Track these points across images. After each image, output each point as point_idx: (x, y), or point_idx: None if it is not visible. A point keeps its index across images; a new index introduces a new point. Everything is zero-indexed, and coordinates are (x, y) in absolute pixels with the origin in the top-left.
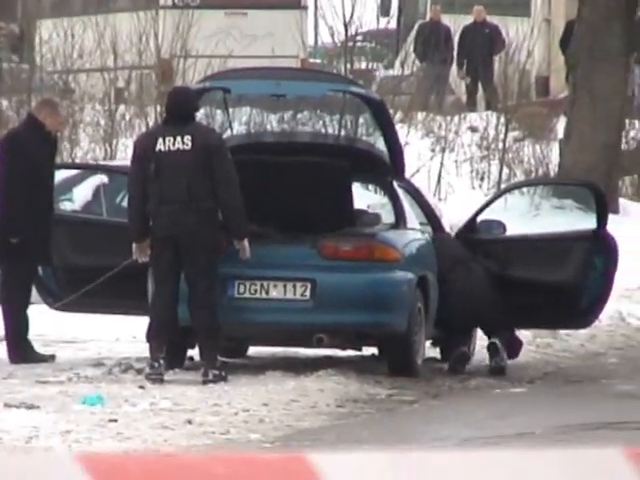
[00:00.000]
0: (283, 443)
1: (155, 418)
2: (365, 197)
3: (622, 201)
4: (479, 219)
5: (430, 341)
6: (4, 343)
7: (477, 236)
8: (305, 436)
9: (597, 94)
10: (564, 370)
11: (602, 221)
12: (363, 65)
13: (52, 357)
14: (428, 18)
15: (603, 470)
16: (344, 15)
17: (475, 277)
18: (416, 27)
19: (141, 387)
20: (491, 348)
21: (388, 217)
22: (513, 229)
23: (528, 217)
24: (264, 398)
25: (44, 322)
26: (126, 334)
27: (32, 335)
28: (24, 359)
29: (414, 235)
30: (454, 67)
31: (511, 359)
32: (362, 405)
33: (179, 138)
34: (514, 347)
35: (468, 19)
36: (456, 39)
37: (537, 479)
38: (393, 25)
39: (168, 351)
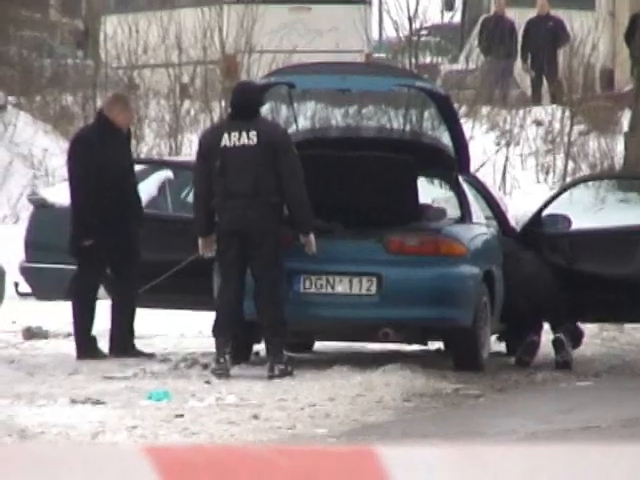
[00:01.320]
0: (349, 438)
1: (221, 413)
2: (430, 191)
3: None
4: (544, 213)
5: (496, 335)
6: (69, 339)
7: (543, 230)
8: (371, 430)
9: None
10: (630, 364)
11: None
12: (428, 59)
13: (152, 355)
14: (492, 12)
15: None
16: (408, 9)
17: (526, 267)
18: (480, 21)
19: (207, 382)
20: (557, 343)
21: (453, 211)
22: (578, 223)
23: (593, 211)
24: (330, 393)
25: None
26: (192, 329)
27: (99, 331)
28: (91, 356)
29: (479, 229)
30: (518, 61)
31: (574, 349)
32: (428, 399)
33: (244, 133)
34: (577, 337)
35: (532, 12)
36: (520, 32)
37: (602, 473)
38: (457, 19)
39: (234, 346)
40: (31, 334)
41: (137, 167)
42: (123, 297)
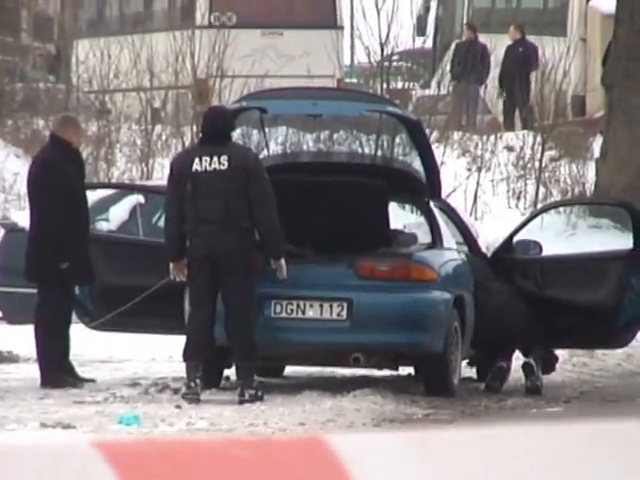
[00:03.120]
0: None
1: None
2: (401, 217)
3: None
4: (515, 239)
5: (466, 361)
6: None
7: (514, 256)
8: None
9: (633, 114)
10: (600, 389)
11: (639, 241)
12: (399, 85)
13: (92, 380)
14: (464, 37)
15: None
16: (380, 35)
17: (496, 296)
18: (453, 46)
19: (178, 407)
20: (526, 368)
21: (425, 237)
22: (549, 249)
23: (564, 237)
24: (301, 418)
25: (80, 342)
26: (162, 354)
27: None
28: (54, 383)
29: (450, 255)
30: (490, 86)
31: (548, 374)
32: (399, 425)
33: (215, 158)
34: (550, 362)
35: (505, 38)
36: (492, 58)
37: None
38: (429, 44)
39: (204, 371)
40: (1, 358)
41: (108, 191)
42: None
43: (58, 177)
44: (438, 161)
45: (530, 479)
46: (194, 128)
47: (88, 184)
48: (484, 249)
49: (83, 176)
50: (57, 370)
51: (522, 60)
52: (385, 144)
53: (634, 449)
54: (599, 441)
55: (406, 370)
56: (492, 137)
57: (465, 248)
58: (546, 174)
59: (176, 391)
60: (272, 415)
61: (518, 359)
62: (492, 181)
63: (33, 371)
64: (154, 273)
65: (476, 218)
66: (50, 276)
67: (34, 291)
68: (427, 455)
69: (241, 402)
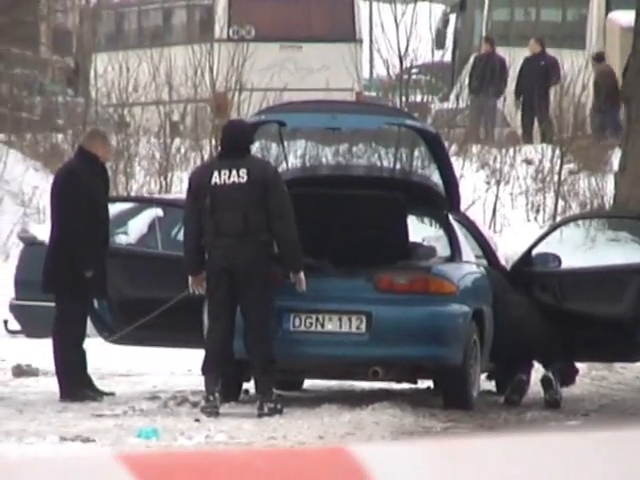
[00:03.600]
0: None
1: None
2: (420, 230)
3: None
4: (534, 252)
5: (486, 374)
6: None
7: (533, 269)
8: None
9: None
10: (619, 403)
11: None
12: (418, 98)
13: (112, 394)
14: (483, 50)
15: None
16: (399, 48)
17: (515, 308)
18: (471, 60)
19: (197, 420)
20: (545, 381)
21: (443, 250)
22: (568, 262)
23: (583, 250)
24: (320, 431)
25: (99, 355)
26: (181, 367)
27: (89, 369)
28: (73, 396)
29: (469, 268)
30: (509, 99)
31: (568, 386)
32: (417, 438)
33: (234, 171)
34: (571, 374)
35: (524, 51)
36: (511, 71)
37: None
38: (448, 58)
39: (223, 384)
40: (21, 372)
41: (127, 205)
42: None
43: (82, 190)
44: (457, 174)
45: None
46: (213, 141)
47: (108, 197)
48: (503, 262)
49: (107, 191)
50: (76, 383)
51: (542, 73)
52: (404, 157)
53: None
54: (618, 448)
55: (425, 383)
56: (511, 150)
57: (484, 261)
58: (565, 187)
59: (195, 404)
60: (291, 428)
61: (537, 372)
62: (511, 194)
63: (52, 384)
64: (173, 286)
65: (495, 231)
66: (67, 288)
67: (53, 304)
68: (452, 464)
69: (260, 415)
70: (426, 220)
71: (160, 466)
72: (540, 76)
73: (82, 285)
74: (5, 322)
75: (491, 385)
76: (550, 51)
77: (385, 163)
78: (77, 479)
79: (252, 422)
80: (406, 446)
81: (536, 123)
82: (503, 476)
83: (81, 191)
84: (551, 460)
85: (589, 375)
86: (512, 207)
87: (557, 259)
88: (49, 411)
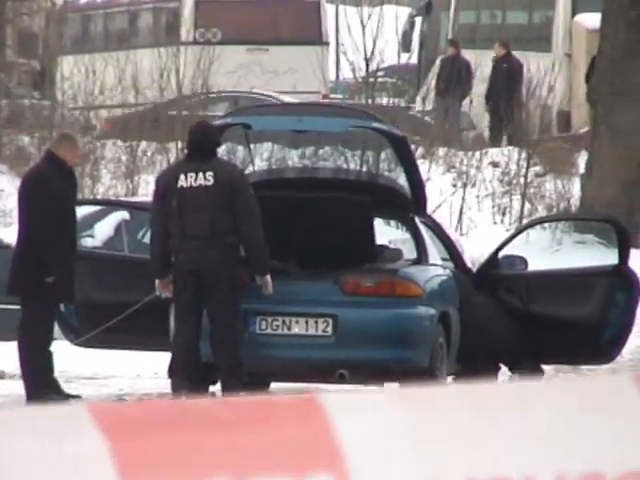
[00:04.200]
0: None
1: None
2: (387, 233)
3: None
4: (501, 254)
5: (452, 376)
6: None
7: (499, 272)
8: None
9: (618, 129)
10: None
11: (624, 256)
12: (384, 100)
13: (78, 397)
14: (448, 53)
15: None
16: (365, 50)
17: (480, 312)
18: (438, 62)
19: None
20: None
21: (410, 253)
22: (535, 264)
23: (549, 252)
24: None
25: (65, 358)
26: (148, 370)
27: (55, 372)
28: (39, 400)
29: (436, 271)
30: (475, 102)
31: None
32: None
33: (201, 174)
34: (536, 377)
35: (490, 54)
36: (477, 74)
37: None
38: (414, 60)
39: (190, 387)
40: None
41: (93, 208)
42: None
43: (50, 194)
44: (423, 177)
45: (514, 433)
46: (179, 144)
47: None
48: (469, 264)
49: (75, 194)
50: (42, 387)
51: (507, 76)
52: (370, 160)
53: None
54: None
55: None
56: (477, 153)
57: (451, 264)
58: (531, 190)
59: None
60: None
61: (504, 374)
62: (477, 197)
63: (19, 388)
64: (140, 289)
65: (461, 234)
66: (33, 292)
67: (18, 307)
68: (409, 407)
69: None
70: (392, 223)
71: (126, 417)
72: (505, 79)
73: (48, 288)
74: None
75: None
76: (517, 54)
77: (351, 166)
78: (45, 429)
79: None
80: (371, 394)
81: (503, 126)
82: (470, 423)
83: (49, 195)
84: (521, 407)
85: (556, 377)
86: (478, 210)
87: (524, 261)
88: None
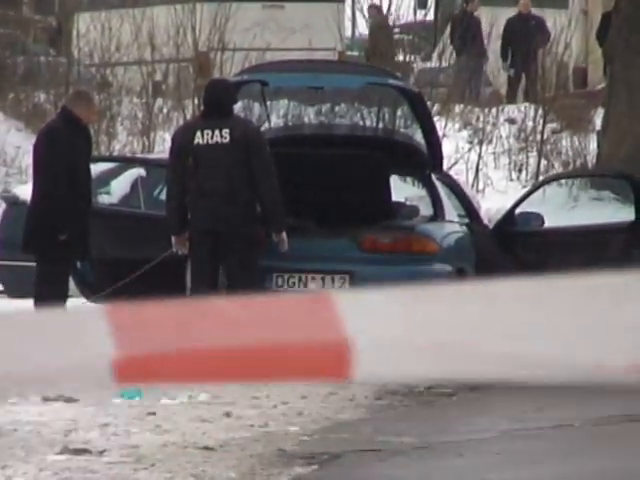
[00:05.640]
0: (322, 435)
1: (193, 411)
2: (403, 190)
3: None
4: (517, 211)
5: None
6: None
7: (515, 228)
8: (343, 428)
9: (634, 86)
10: None
11: None
12: (401, 57)
13: None
14: (461, 10)
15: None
16: (382, 5)
17: (498, 269)
18: (451, 20)
19: None
20: None
21: (426, 209)
22: (551, 221)
23: (566, 209)
24: (303, 391)
25: None
26: None
27: None
28: None
29: (452, 227)
30: (491, 59)
31: None
32: (400, 398)
33: (217, 131)
34: None
35: (507, 12)
36: (494, 31)
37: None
38: (430, 17)
39: None
40: None
41: (110, 165)
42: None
43: (62, 150)
44: (440, 134)
45: (510, 328)
46: (195, 101)
47: (90, 158)
48: (486, 221)
49: (90, 152)
50: None
51: (532, 33)
52: (386, 117)
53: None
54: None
55: None
56: (494, 110)
57: (467, 220)
58: (548, 146)
59: None
60: (274, 388)
61: None
62: (494, 154)
63: None
64: (156, 246)
65: (478, 191)
66: (47, 249)
67: (34, 264)
68: (422, 306)
69: None
70: (409, 180)
71: (136, 316)
72: (529, 36)
73: (62, 245)
74: None
75: None
76: (534, 11)
77: (368, 123)
78: (60, 329)
79: None
80: (381, 293)
81: (524, 82)
82: (481, 317)
83: (62, 152)
84: (514, 303)
85: None
86: (495, 167)
87: (540, 218)
88: None
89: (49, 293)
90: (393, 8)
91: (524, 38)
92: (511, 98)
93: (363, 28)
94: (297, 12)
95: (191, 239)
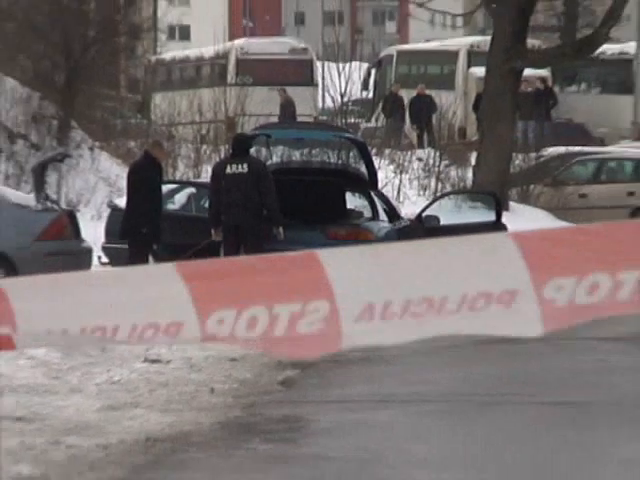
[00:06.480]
0: None
1: None
2: (353, 201)
3: (511, 203)
4: (423, 215)
5: None
6: None
7: (422, 225)
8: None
9: (495, 139)
10: None
11: (499, 215)
12: (352, 120)
13: None
14: (394, 90)
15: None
16: (340, 89)
17: None
18: (383, 97)
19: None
20: None
21: (367, 214)
22: (444, 221)
23: (453, 213)
24: None
25: None
26: None
27: None
28: None
29: (383, 224)
30: (407, 122)
31: None
32: None
33: (239, 165)
34: None
35: (414, 92)
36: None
37: None
38: (370, 96)
39: None
40: None
41: (174, 185)
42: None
43: (143, 178)
44: (376, 167)
45: (458, 279)
46: (226, 146)
47: (161, 182)
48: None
49: (161, 178)
50: None
51: (427, 106)
52: (343, 157)
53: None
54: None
55: None
56: (409, 152)
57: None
58: (442, 175)
59: None
60: None
61: None
62: (409, 179)
63: None
64: (202, 236)
65: (399, 202)
66: (135, 237)
67: (126, 247)
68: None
69: None
70: (356, 195)
71: (200, 270)
72: (426, 107)
73: (144, 235)
74: (99, 257)
75: None
76: (433, 92)
77: (332, 160)
78: (142, 285)
79: None
80: (358, 249)
81: (426, 135)
82: (439, 268)
83: (143, 179)
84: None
85: None
86: (409, 187)
87: (437, 219)
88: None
89: (136, 264)
90: (347, 89)
91: (423, 110)
92: (419, 145)
93: (329, 102)
94: (289, 92)
95: (223, 231)
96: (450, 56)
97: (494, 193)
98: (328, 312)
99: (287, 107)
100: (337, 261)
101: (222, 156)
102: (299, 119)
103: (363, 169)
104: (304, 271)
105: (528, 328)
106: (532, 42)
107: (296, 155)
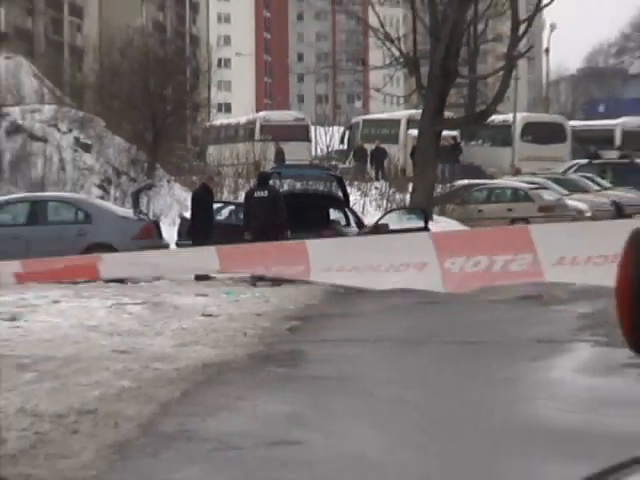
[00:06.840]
0: (303, 309)
1: (250, 299)
2: (334, 214)
3: (434, 216)
4: (379, 223)
5: None
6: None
7: (379, 231)
8: (313, 306)
9: (424, 175)
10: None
11: (426, 223)
12: (334, 163)
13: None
14: (357, 144)
15: None
16: (326, 143)
17: None
18: (354, 148)
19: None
20: None
21: (343, 222)
22: (391, 227)
23: (397, 221)
24: (290, 292)
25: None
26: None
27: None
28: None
29: (353, 229)
30: (369, 165)
31: None
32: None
33: (262, 191)
34: None
35: (373, 145)
36: (369, 153)
37: None
38: (345, 147)
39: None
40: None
41: (220, 204)
42: None
43: (201, 201)
44: (349, 193)
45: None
46: (254, 180)
47: (213, 202)
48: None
49: (213, 200)
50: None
51: (381, 155)
52: (329, 186)
53: None
54: None
55: None
56: (369, 184)
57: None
58: (390, 198)
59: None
60: (281, 291)
61: None
62: (369, 201)
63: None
64: (238, 237)
65: (363, 214)
66: (197, 238)
67: (190, 243)
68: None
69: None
70: (336, 210)
71: (233, 251)
72: (381, 156)
73: (202, 237)
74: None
75: None
76: (385, 145)
77: (322, 188)
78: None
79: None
80: (335, 241)
81: (380, 173)
82: (384, 251)
83: (201, 202)
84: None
85: None
86: (370, 205)
87: (387, 226)
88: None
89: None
90: (331, 143)
91: (379, 157)
92: (376, 179)
93: (319, 150)
94: (292, 145)
95: (252, 234)
96: (396, 122)
97: (423, 209)
98: (304, 269)
99: (279, 154)
100: (316, 245)
101: (251, 186)
102: (299, 162)
103: (340, 194)
104: (293, 249)
105: (433, 286)
106: (447, 114)
107: (298, 185)
